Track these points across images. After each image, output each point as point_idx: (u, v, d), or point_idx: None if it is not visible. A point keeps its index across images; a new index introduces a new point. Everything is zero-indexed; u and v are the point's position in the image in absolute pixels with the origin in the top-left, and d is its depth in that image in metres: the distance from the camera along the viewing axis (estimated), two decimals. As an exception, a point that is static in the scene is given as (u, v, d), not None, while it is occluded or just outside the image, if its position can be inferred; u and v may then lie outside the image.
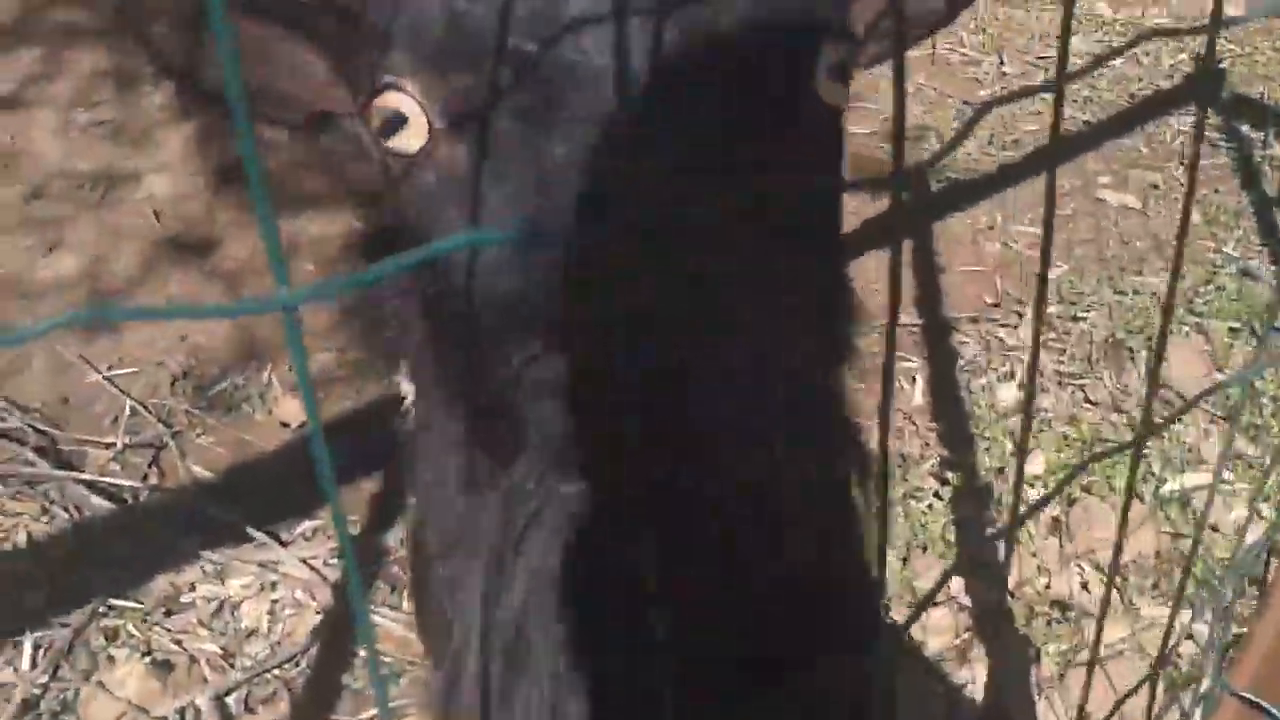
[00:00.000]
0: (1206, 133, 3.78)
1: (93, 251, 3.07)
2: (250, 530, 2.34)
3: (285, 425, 2.62)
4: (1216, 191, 3.48)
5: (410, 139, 0.81)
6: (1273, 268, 3.18)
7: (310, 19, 0.94)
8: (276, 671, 2.14)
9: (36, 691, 2.07)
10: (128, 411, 2.61)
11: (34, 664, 2.11)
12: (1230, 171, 3.56)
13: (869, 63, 1.00)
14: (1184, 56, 4.11)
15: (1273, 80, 3.97)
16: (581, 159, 0.75)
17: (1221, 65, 4.04)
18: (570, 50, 0.75)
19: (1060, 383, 2.79)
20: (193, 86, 0.99)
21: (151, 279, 3.03)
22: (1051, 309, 2.99)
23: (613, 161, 0.74)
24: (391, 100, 0.81)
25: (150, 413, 2.63)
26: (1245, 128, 3.72)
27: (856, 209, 3.41)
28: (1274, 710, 1.20)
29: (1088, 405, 2.73)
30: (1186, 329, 2.92)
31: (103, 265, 3.03)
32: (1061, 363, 2.85)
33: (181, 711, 2.04)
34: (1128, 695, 1.03)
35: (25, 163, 3.37)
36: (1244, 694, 1.19)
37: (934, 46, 4.16)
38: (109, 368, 2.73)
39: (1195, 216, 3.35)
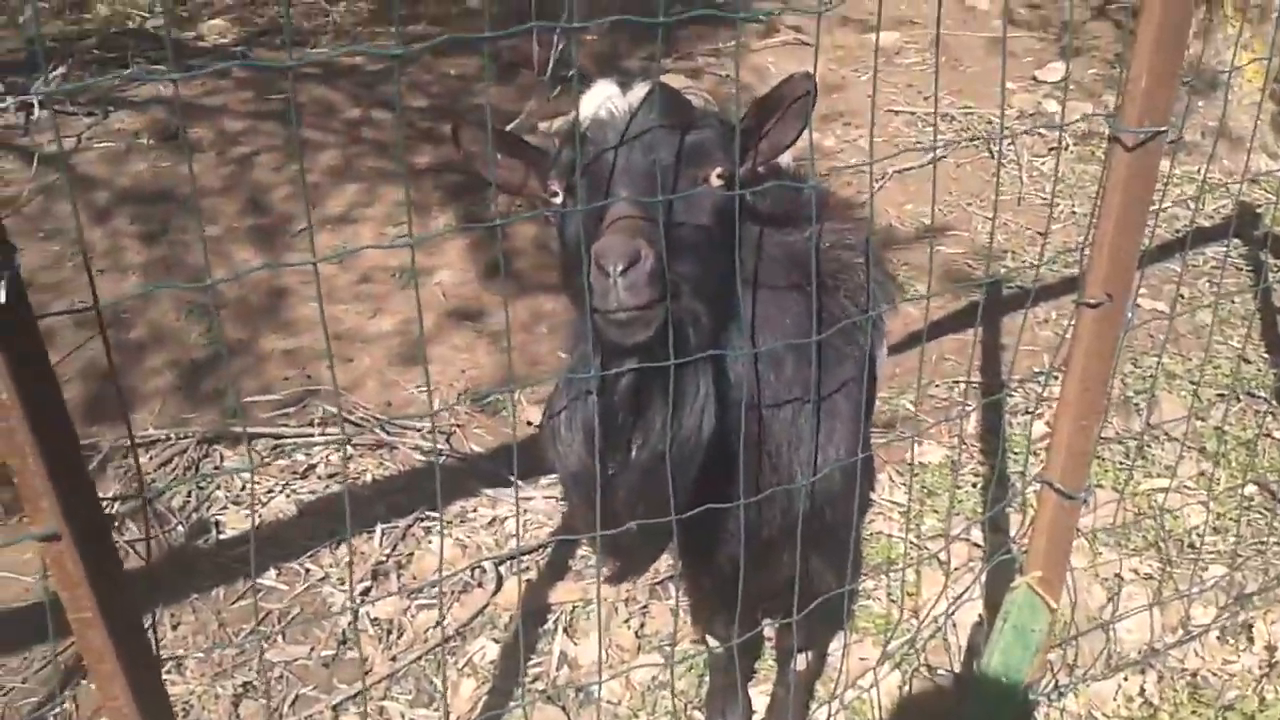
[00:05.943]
0: (1233, 260, 4.80)
1: (403, 318, 4.51)
2: (509, 477, 3.61)
3: (529, 423, 3.92)
4: (1232, 301, 4.50)
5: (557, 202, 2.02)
6: (1266, 355, 4.17)
7: (526, 153, 2.13)
8: (527, 557, 3.39)
9: (383, 558, 3.37)
10: (434, 407, 3.96)
11: (380, 543, 3.43)
12: (1245, 286, 4.57)
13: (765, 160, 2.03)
14: (1226, 203, 5.16)
15: (1299, 221, 4.95)
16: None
17: (1259, 210, 5.07)
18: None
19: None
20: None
21: (439, 336, 4.44)
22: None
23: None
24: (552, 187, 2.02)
25: (446, 415, 3.99)
26: (1264, 255, 4.73)
27: (944, 305, 4.58)
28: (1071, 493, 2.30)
29: (1101, 441, 3.77)
30: (1184, 393, 3.95)
31: (409, 325, 4.46)
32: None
33: (472, 569, 3.30)
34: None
35: (356, 261, 4.87)
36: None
37: (1021, 192, 5.34)
38: (417, 387, 4.12)
39: (1206, 316, 4.37)
